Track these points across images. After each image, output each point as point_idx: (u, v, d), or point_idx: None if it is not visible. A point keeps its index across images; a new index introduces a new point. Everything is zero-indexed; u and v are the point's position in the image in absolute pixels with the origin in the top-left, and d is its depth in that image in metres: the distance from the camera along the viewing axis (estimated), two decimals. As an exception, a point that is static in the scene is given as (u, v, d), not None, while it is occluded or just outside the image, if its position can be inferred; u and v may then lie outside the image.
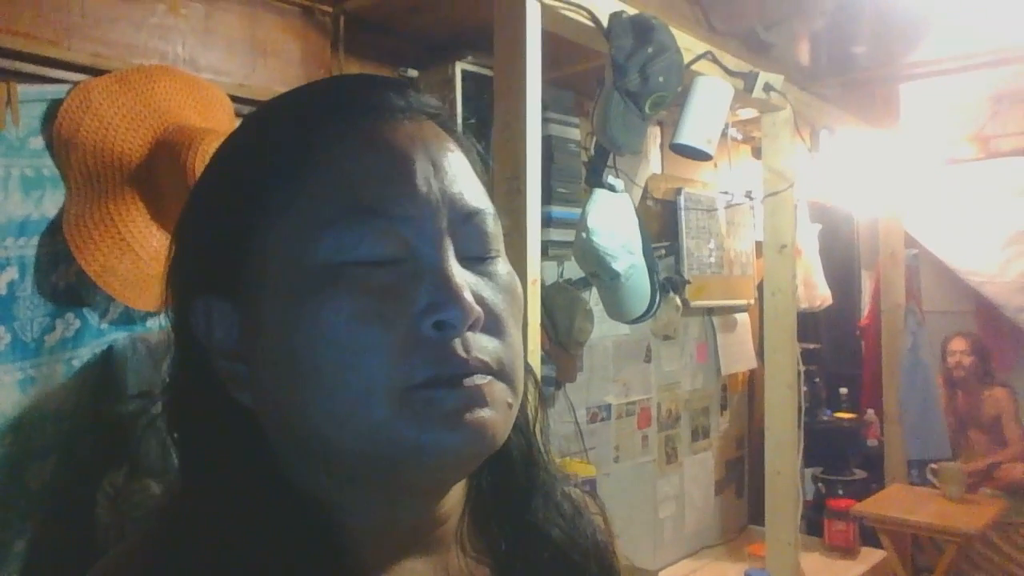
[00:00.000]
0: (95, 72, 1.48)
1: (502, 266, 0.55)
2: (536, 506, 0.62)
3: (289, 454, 0.53)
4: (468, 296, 0.49)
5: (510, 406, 0.52)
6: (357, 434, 0.48)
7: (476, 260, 0.53)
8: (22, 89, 1.40)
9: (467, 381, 0.49)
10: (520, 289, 0.55)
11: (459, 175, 0.53)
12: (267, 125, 0.55)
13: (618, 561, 0.70)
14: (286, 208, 0.51)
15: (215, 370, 0.53)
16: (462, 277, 0.50)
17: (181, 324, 0.54)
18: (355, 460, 0.50)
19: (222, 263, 0.53)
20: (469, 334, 0.49)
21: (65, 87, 1.44)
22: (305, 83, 0.59)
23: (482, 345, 0.50)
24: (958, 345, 4.03)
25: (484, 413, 0.49)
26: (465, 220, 0.52)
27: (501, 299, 0.53)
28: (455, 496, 0.58)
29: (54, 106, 1.43)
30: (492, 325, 0.51)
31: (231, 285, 0.53)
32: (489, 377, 0.50)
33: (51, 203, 1.44)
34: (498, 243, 0.55)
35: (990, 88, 3.59)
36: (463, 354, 0.49)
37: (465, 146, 0.57)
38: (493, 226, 0.54)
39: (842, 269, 4.14)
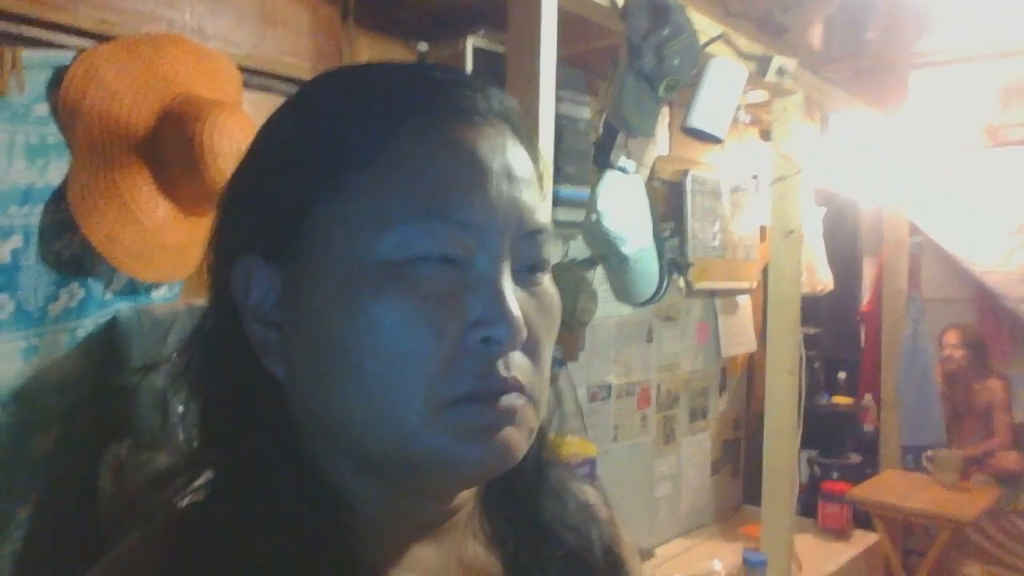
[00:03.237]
0: (101, 39, 1.45)
1: (548, 283, 0.55)
2: (545, 501, 0.63)
3: (312, 434, 0.53)
4: (519, 315, 0.49)
5: (532, 430, 0.53)
6: (389, 435, 0.49)
7: (526, 274, 0.53)
8: (27, 54, 1.37)
9: (503, 399, 0.49)
10: (559, 307, 0.55)
11: (529, 188, 0.53)
12: (351, 103, 0.53)
13: (625, 550, 0.70)
14: (356, 193, 0.50)
15: (246, 333, 0.53)
16: (514, 294, 0.50)
17: (220, 281, 0.54)
18: (382, 458, 0.51)
19: (276, 229, 0.52)
20: (510, 352, 0.50)
21: (71, 53, 1.41)
22: (389, 61, 0.59)
23: (520, 364, 0.51)
24: (951, 338, 4.06)
25: (512, 432, 0.50)
26: (527, 236, 0.52)
27: (543, 319, 0.53)
28: (469, 489, 0.59)
29: (59, 72, 1.40)
30: (531, 346, 0.52)
31: (280, 252, 0.52)
32: (523, 398, 0.51)
33: (56, 171, 1.41)
34: (549, 260, 0.55)
35: (1001, 79, 3.56)
36: (504, 373, 0.49)
37: (532, 153, 0.56)
38: (549, 243, 0.54)
39: (844, 254, 4.13)
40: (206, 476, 0.56)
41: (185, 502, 0.55)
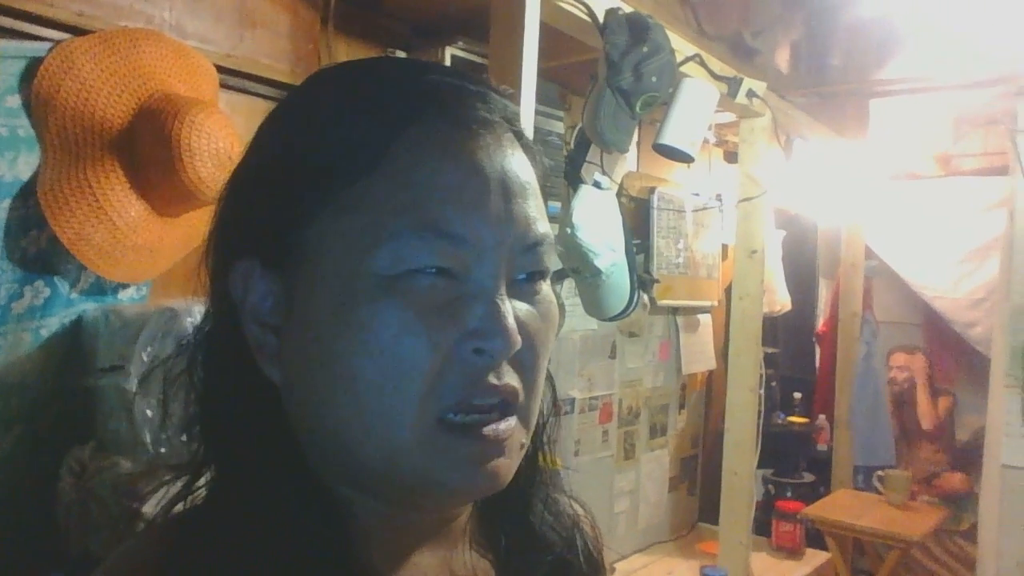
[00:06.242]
0: (78, 32, 1.43)
1: (546, 291, 0.55)
2: (536, 506, 0.64)
3: (306, 440, 0.53)
4: (514, 328, 0.49)
5: (522, 446, 0.53)
6: (380, 450, 0.49)
7: (526, 283, 0.53)
8: (0, 44, 1.34)
9: (487, 431, 0.50)
10: (557, 314, 0.56)
11: (529, 198, 0.53)
12: (346, 111, 0.52)
13: (605, 562, 0.72)
14: (352, 206, 0.50)
15: (245, 335, 0.53)
16: (511, 307, 0.50)
17: (219, 283, 0.54)
18: (371, 472, 0.51)
19: (273, 239, 0.52)
20: (502, 363, 0.50)
21: (46, 45, 1.38)
22: (388, 60, 0.58)
23: (513, 373, 0.51)
24: (896, 360, 4.17)
25: (499, 461, 0.51)
26: (527, 248, 0.52)
27: (540, 328, 0.53)
28: None
29: (33, 64, 1.37)
30: (526, 355, 0.52)
31: (278, 260, 0.52)
32: (511, 420, 0.51)
33: (25, 165, 1.38)
34: (550, 269, 0.55)
35: (955, 110, 3.68)
36: (495, 382, 0.50)
37: (534, 159, 0.56)
38: (550, 252, 0.54)
39: (801, 276, 4.21)
40: (201, 479, 0.55)
41: (178, 504, 0.55)
